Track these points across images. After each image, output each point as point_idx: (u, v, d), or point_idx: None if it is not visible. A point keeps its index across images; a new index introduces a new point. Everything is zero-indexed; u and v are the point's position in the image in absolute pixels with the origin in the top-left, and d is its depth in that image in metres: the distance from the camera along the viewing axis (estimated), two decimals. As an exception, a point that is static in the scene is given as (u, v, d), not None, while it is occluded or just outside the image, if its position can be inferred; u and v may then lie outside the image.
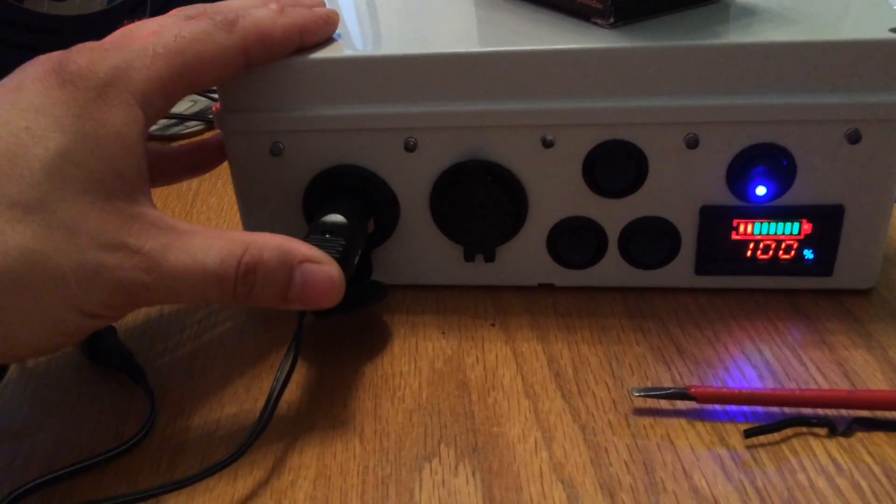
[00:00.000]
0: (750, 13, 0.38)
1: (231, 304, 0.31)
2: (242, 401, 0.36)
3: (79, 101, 0.29)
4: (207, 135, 0.43)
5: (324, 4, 0.40)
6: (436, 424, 0.33)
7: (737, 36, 0.36)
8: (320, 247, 0.33)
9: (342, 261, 0.34)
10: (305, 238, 0.35)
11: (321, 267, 0.32)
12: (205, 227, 0.32)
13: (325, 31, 0.39)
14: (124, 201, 0.29)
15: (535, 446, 0.32)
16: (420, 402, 0.35)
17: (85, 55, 0.31)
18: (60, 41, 0.67)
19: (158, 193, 0.53)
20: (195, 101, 0.65)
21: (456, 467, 0.31)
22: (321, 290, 0.32)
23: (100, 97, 0.30)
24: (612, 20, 0.37)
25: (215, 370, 0.38)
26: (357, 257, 0.37)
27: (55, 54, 0.31)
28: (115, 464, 0.33)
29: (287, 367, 0.33)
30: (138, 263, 0.29)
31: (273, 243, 0.31)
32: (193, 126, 0.62)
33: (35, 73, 0.30)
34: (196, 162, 0.43)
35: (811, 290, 0.40)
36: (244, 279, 0.31)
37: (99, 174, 0.29)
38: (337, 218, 0.36)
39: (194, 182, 0.54)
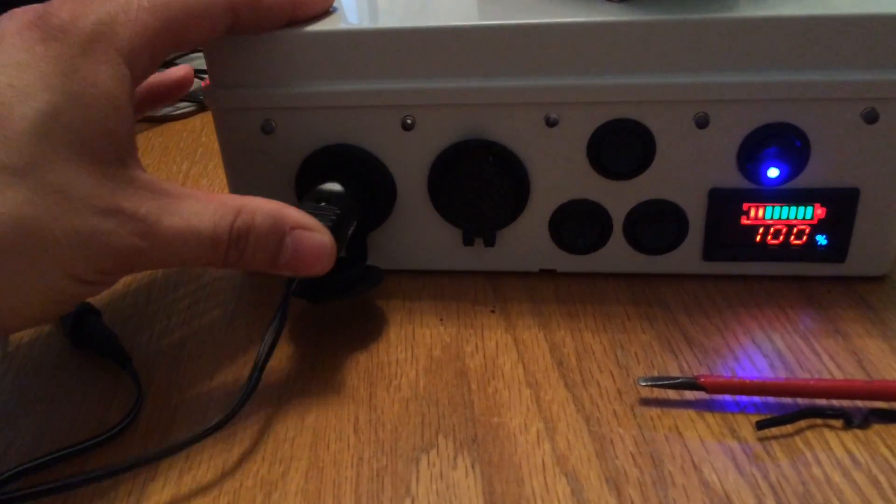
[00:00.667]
0: (763, -14, 0.37)
1: (222, 267, 0.31)
2: (231, 389, 0.34)
3: (64, 58, 0.28)
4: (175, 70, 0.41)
5: None
6: (433, 414, 0.32)
7: (749, 10, 0.34)
8: (314, 214, 0.33)
9: (335, 230, 0.33)
10: (300, 204, 0.34)
11: (312, 234, 0.32)
12: (196, 190, 0.31)
13: (319, 5, 0.37)
14: (116, 164, 0.28)
15: (538, 437, 0.31)
16: (417, 392, 0.33)
17: (68, 7, 0.29)
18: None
19: (148, 175, 0.51)
20: (187, 82, 0.63)
21: (454, 459, 0.30)
22: (312, 257, 0.32)
23: (85, 54, 0.28)
24: (619, -7, 0.35)
25: (203, 357, 0.36)
26: (351, 228, 0.36)
27: (36, 6, 0.29)
28: (100, 450, 0.31)
29: (273, 333, 0.33)
30: (134, 229, 0.28)
31: (266, 208, 0.31)
32: (185, 107, 0.60)
33: (15, 26, 0.28)
34: (153, 98, 0.41)
35: (823, 276, 0.38)
36: (236, 244, 0.30)
37: (90, 136, 0.28)
38: (334, 186, 0.36)
39: (185, 164, 0.53)
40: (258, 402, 0.33)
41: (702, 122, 0.35)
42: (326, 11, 0.38)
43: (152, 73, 0.32)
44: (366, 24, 0.37)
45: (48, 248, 0.27)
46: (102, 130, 0.28)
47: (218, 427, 0.31)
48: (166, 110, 0.60)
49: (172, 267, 0.31)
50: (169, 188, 0.30)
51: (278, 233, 0.31)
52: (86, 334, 0.37)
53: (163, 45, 0.31)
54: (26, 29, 0.28)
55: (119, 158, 0.29)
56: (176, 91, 0.41)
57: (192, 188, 0.50)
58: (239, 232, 0.30)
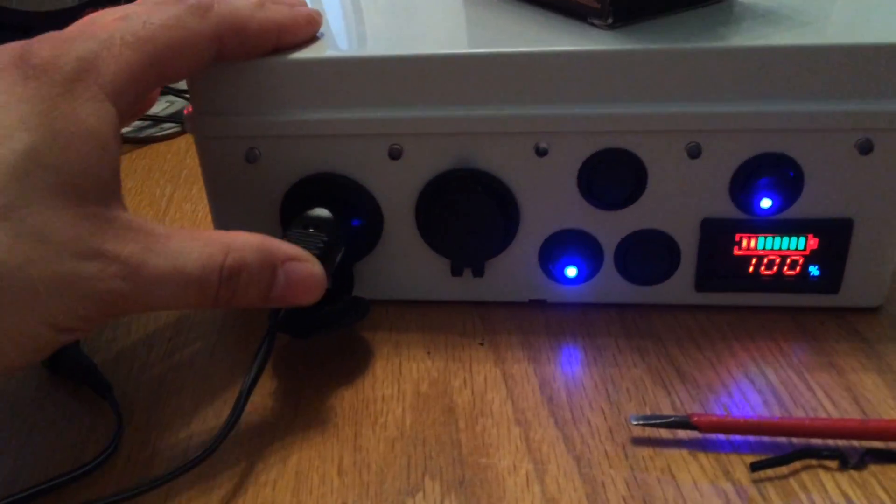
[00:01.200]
0: (756, 14, 0.36)
1: (210, 307, 0.30)
2: (212, 426, 0.33)
3: (45, 97, 0.27)
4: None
5: (306, 5, 0.38)
6: (420, 455, 0.31)
7: (742, 38, 0.34)
8: (302, 242, 0.33)
9: (323, 257, 0.33)
10: (287, 231, 0.34)
11: (304, 265, 0.31)
12: (180, 228, 0.30)
13: (305, 31, 0.36)
14: (98, 204, 0.27)
15: (527, 480, 0.30)
16: (403, 430, 0.32)
17: (48, 46, 0.28)
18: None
19: (129, 200, 0.50)
20: (172, 102, 0.62)
21: (441, 503, 0.29)
22: (304, 288, 0.31)
23: (68, 92, 0.28)
24: (610, 21, 0.35)
25: (184, 392, 0.35)
26: (339, 255, 0.35)
27: (15, 45, 0.29)
28: (78, 485, 0.30)
29: (256, 368, 0.32)
30: (116, 272, 0.27)
31: (254, 243, 0.30)
32: (169, 128, 0.59)
33: None
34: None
35: (817, 307, 0.38)
36: (227, 283, 0.29)
37: (70, 176, 0.27)
38: (322, 212, 0.35)
39: (168, 188, 0.52)
40: (239, 441, 0.32)
41: (694, 152, 0.35)
42: (313, 37, 0.37)
43: (138, 107, 0.32)
44: (353, 51, 0.36)
45: (26, 296, 0.26)
46: (84, 169, 0.27)
47: (196, 463, 0.30)
48: (150, 131, 0.59)
49: (159, 310, 0.30)
50: (153, 228, 0.29)
51: (269, 268, 0.30)
52: (63, 363, 0.36)
53: (148, 79, 0.30)
54: (7, 69, 0.27)
55: (101, 198, 0.28)
56: (139, 111, 0.40)
57: (176, 214, 0.49)
58: (231, 271, 0.29)
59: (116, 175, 0.29)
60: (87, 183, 0.27)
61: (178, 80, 0.33)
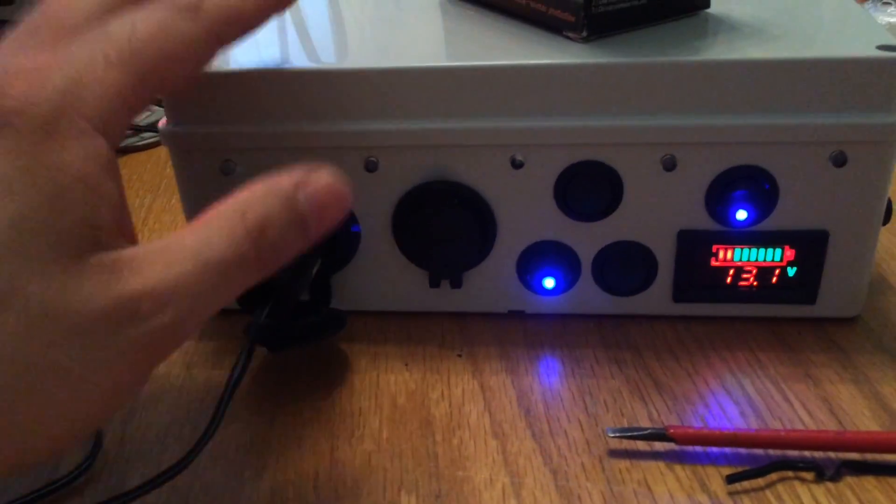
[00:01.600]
0: (731, 28, 0.36)
1: (265, 275, 0.26)
2: (187, 439, 0.33)
3: (24, 148, 0.23)
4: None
5: None
6: (397, 469, 0.31)
7: (717, 52, 0.34)
8: None
9: (298, 269, 0.32)
10: None
11: (315, 179, 0.27)
12: (183, 227, 0.27)
13: None
14: (102, 250, 0.24)
15: (503, 493, 0.30)
16: (380, 444, 0.32)
17: (20, 83, 0.24)
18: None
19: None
20: (152, 111, 0.62)
21: (417, 518, 0.29)
22: (329, 200, 0.27)
23: (49, 136, 0.24)
24: (585, 34, 0.35)
25: (160, 405, 0.35)
26: (315, 267, 0.34)
27: None
28: (50, 499, 0.30)
29: (233, 381, 0.31)
30: (149, 310, 0.24)
31: (258, 191, 0.26)
32: (149, 137, 0.59)
33: None
34: None
35: (794, 318, 0.38)
36: (261, 242, 0.26)
37: (66, 232, 0.23)
38: None
39: (147, 198, 0.51)
40: (214, 455, 0.32)
41: (669, 165, 0.35)
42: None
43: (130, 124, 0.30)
44: (330, 63, 0.36)
45: (60, 380, 0.23)
46: (80, 219, 0.24)
47: (170, 476, 0.29)
48: (130, 140, 0.58)
49: (213, 314, 0.28)
50: (163, 245, 0.25)
51: (288, 202, 0.26)
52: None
53: (140, 98, 0.27)
54: None
55: (105, 243, 0.24)
56: None
57: (156, 224, 0.48)
58: (258, 228, 0.25)
59: (116, 212, 0.25)
60: (85, 232, 0.24)
61: (177, 90, 0.31)
